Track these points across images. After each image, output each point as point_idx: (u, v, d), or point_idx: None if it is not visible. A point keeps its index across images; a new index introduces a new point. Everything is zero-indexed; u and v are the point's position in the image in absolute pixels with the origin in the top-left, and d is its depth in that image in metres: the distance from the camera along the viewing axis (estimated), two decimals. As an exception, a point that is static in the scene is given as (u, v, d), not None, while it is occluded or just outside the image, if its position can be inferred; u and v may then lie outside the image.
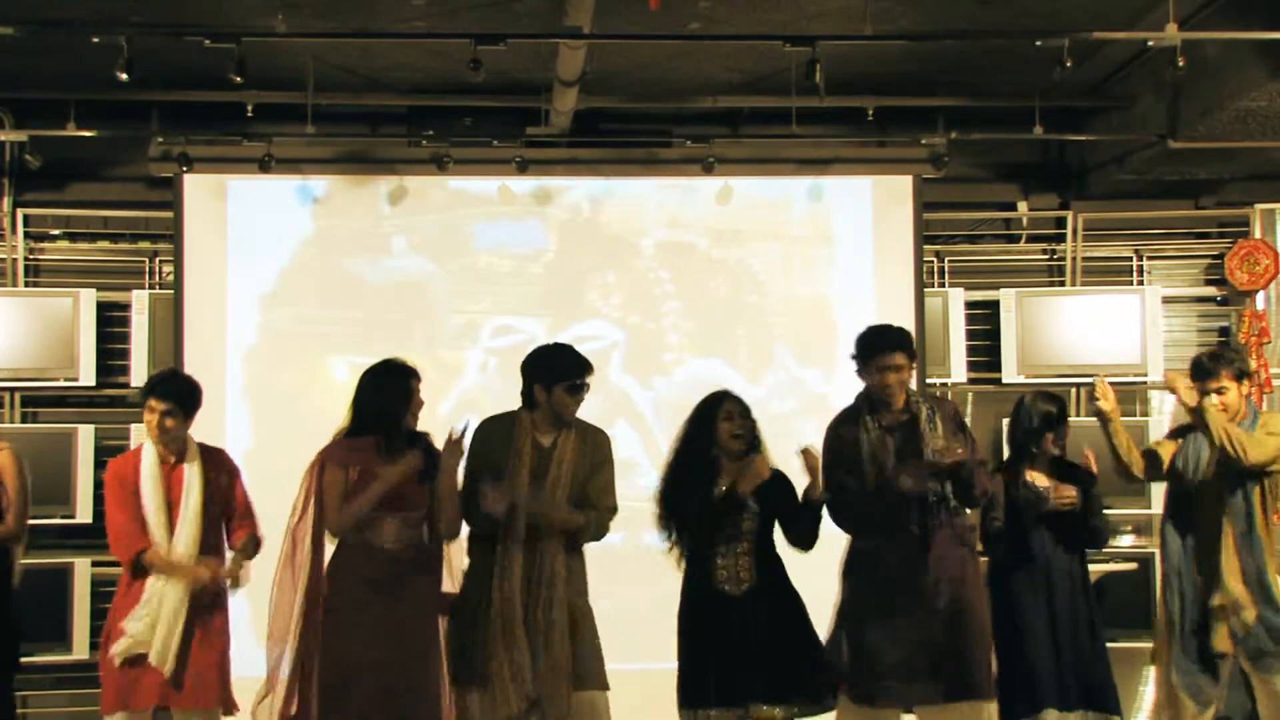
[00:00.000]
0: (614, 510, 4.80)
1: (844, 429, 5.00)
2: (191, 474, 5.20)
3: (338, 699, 4.61)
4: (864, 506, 4.91)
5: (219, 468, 5.32)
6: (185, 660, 5.09)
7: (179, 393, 5.24)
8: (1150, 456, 5.54)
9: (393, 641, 4.65)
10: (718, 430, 4.91)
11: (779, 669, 4.77)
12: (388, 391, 4.79)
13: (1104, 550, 7.31)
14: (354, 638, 4.64)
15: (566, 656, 4.62)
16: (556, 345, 4.96)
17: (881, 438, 4.91)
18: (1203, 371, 5.40)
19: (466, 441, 4.73)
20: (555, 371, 4.77)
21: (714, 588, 4.82)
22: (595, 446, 4.81)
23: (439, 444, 4.79)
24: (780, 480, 4.93)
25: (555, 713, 4.62)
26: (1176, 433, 5.64)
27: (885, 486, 4.84)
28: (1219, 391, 5.34)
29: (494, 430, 4.83)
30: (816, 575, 5.08)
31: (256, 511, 5.38)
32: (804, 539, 4.94)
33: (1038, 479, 5.46)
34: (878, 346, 4.94)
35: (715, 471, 4.88)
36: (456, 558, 4.92)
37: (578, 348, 4.95)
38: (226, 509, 5.31)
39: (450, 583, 4.90)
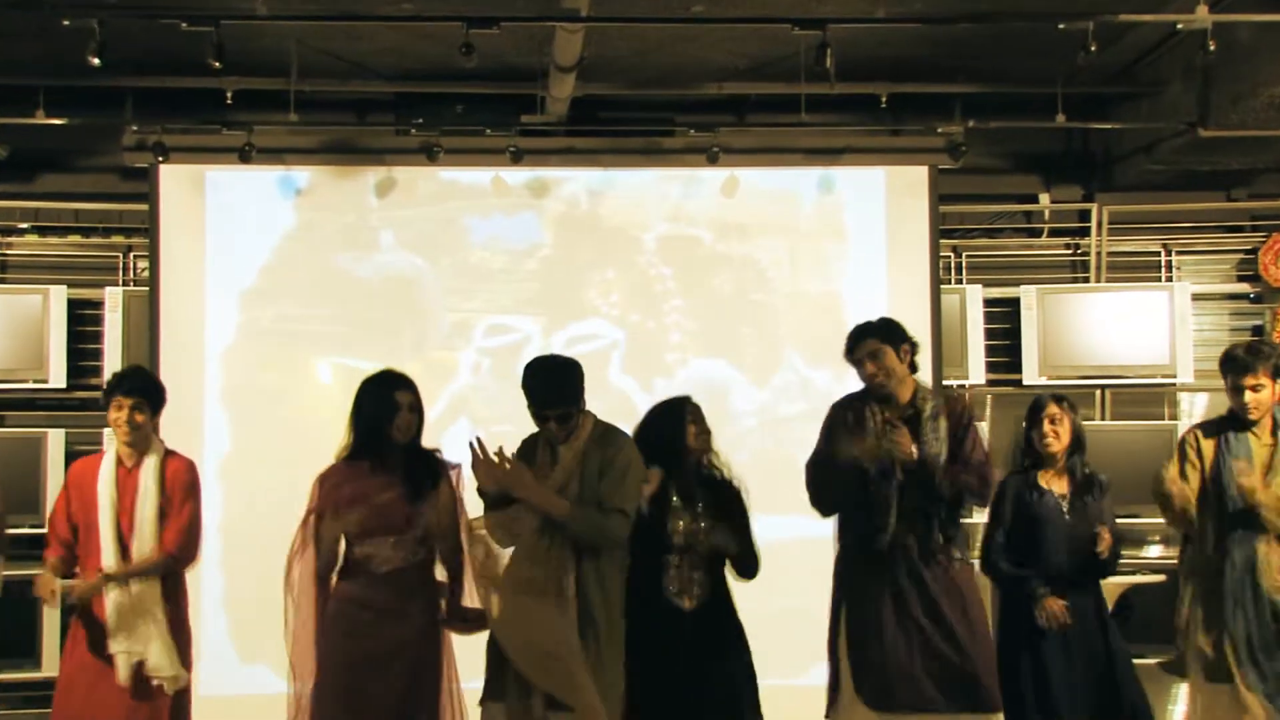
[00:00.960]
0: (622, 512, 4.66)
1: (850, 411, 5.06)
2: (147, 477, 5.18)
3: None
4: (832, 475, 5.00)
5: (173, 473, 5.27)
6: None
7: (146, 388, 5.26)
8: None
9: (396, 666, 4.66)
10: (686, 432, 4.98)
11: (720, 688, 4.84)
12: (370, 407, 4.79)
13: (1130, 561, 7.33)
14: (357, 666, 4.65)
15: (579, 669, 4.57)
16: (532, 366, 4.84)
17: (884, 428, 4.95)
18: (1238, 366, 5.32)
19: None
20: (527, 397, 4.77)
21: (663, 599, 4.87)
22: (605, 445, 4.75)
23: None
24: (731, 493, 5.02)
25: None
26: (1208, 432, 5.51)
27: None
28: (1255, 389, 5.27)
29: (528, 444, 4.83)
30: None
31: (190, 531, 5.29)
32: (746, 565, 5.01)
33: (1050, 483, 5.49)
34: (850, 341, 5.08)
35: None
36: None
37: (575, 349, 4.94)
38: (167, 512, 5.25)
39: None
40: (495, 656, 4.63)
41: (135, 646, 5.05)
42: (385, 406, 4.77)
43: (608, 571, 4.65)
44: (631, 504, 4.66)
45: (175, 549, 5.19)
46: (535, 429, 4.80)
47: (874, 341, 4.99)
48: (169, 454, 5.32)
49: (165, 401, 5.34)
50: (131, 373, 5.48)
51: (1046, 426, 5.44)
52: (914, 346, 5.07)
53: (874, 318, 5.15)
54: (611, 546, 4.63)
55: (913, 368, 5.05)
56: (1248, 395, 5.28)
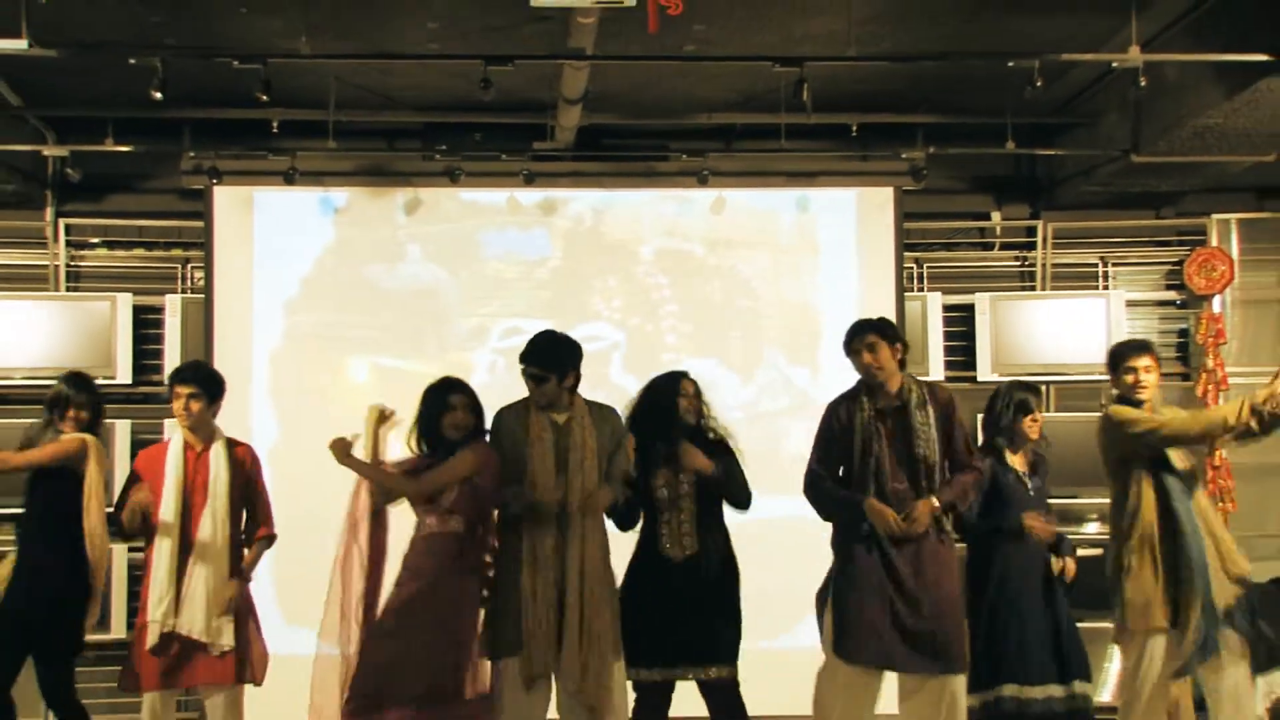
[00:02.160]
0: (628, 474, 4.87)
1: (842, 407, 5.10)
2: (218, 460, 5.22)
3: (383, 678, 4.66)
4: (831, 500, 5.04)
5: (244, 458, 5.34)
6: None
7: (201, 378, 5.29)
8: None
9: (434, 624, 4.72)
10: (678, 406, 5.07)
11: (703, 633, 4.90)
12: (425, 407, 4.95)
13: (1071, 537, 7.36)
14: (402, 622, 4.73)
15: (590, 629, 4.65)
16: (535, 333, 5.01)
17: (874, 419, 5.00)
18: (1128, 349, 5.33)
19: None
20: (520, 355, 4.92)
21: (657, 552, 4.95)
22: (608, 422, 4.89)
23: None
24: (714, 442, 5.12)
25: (571, 683, 4.67)
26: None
27: (865, 468, 4.94)
28: (1148, 370, 5.23)
29: (507, 416, 4.91)
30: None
31: (272, 508, 5.40)
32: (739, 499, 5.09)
33: (1015, 463, 5.57)
34: (851, 333, 5.11)
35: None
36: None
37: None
38: (249, 501, 5.32)
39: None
40: (510, 614, 4.68)
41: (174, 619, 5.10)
42: (439, 406, 4.87)
43: (598, 532, 4.79)
44: (630, 467, 4.84)
45: (273, 528, 5.33)
46: (505, 421, 4.91)
47: (873, 335, 5.05)
48: (232, 441, 5.35)
49: (223, 392, 5.35)
50: (190, 364, 5.54)
51: (1143, 375, 5.25)
52: (905, 347, 5.13)
53: (873, 317, 5.21)
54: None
55: (901, 365, 5.08)
56: (1141, 375, 5.23)
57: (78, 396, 5.30)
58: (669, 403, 5.07)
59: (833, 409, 5.13)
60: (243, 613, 5.22)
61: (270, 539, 5.35)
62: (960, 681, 4.93)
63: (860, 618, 4.85)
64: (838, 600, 4.96)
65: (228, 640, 5.11)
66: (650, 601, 4.90)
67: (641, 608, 4.89)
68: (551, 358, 4.84)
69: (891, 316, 7.24)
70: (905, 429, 4.97)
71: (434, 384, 4.97)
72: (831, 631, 4.96)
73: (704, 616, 4.93)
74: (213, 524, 5.15)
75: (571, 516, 4.72)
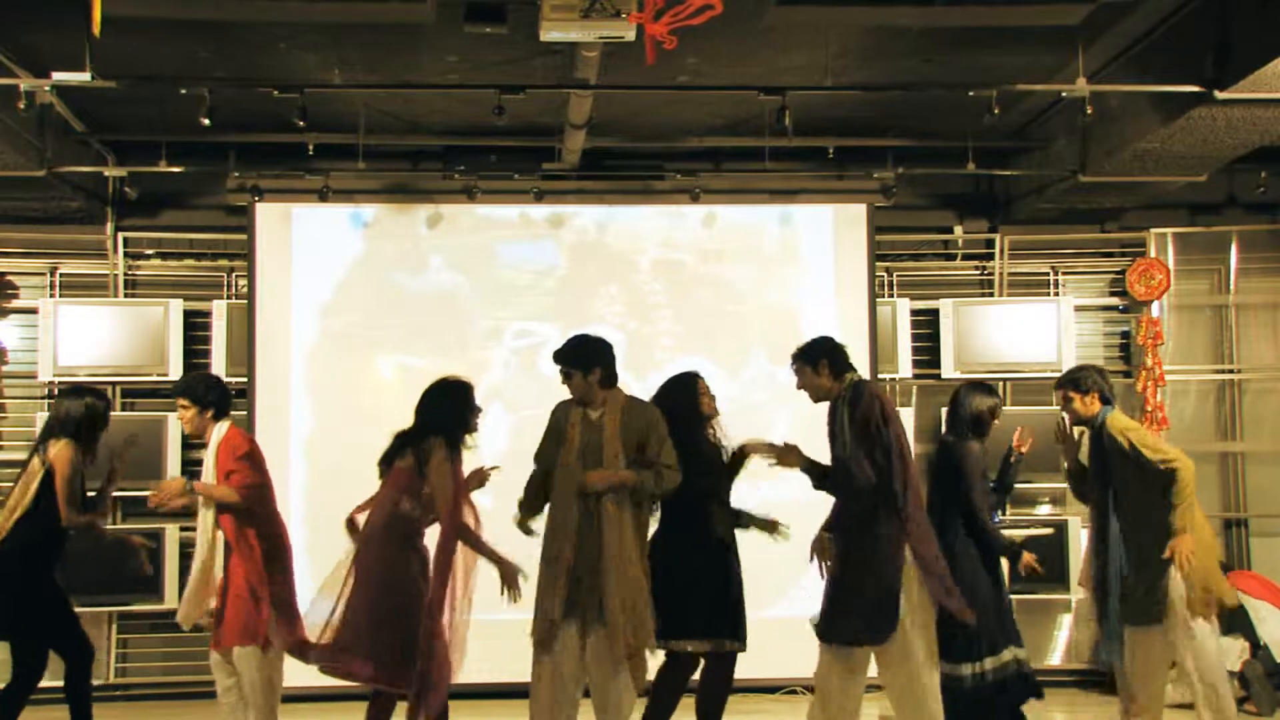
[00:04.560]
0: (671, 467, 4.76)
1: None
2: (209, 455, 5.14)
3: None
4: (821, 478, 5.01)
5: (221, 450, 5.15)
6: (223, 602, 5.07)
7: (190, 391, 5.21)
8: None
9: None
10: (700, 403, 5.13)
11: (735, 610, 5.02)
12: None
13: (1025, 518, 7.39)
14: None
15: (608, 605, 4.62)
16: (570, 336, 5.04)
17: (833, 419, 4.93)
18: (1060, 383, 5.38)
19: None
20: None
21: (716, 534, 4.98)
22: (641, 415, 4.82)
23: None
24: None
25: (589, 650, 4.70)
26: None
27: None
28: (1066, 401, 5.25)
29: (558, 409, 4.96)
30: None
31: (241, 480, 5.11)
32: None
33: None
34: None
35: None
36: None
37: None
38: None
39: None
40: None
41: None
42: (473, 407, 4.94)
43: (636, 516, 4.75)
44: (675, 459, 4.77)
45: (236, 494, 5.05)
46: (555, 412, 4.92)
47: (797, 364, 4.98)
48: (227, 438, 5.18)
49: (215, 402, 5.18)
50: (186, 378, 5.58)
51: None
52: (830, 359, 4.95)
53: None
54: (666, 493, 4.78)
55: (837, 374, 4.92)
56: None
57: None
58: (692, 399, 5.09)
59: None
60: (234, 586, 5.06)
61: (230, 492, 5.02)
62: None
63: (849, 601, 4.76)
64: (831, 587, 4.84)
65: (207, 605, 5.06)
66: (694, 579, 4.94)
67: (689, 586, 4.92)
68: (572, 356, 4.87)
69: (864, 319, 7.38)
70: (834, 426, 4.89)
71: (465, 384, 4.93)
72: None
73: (732, 595, 5.01)
74: (202, 504, 5.09)
75: (595, 499, 4.70)
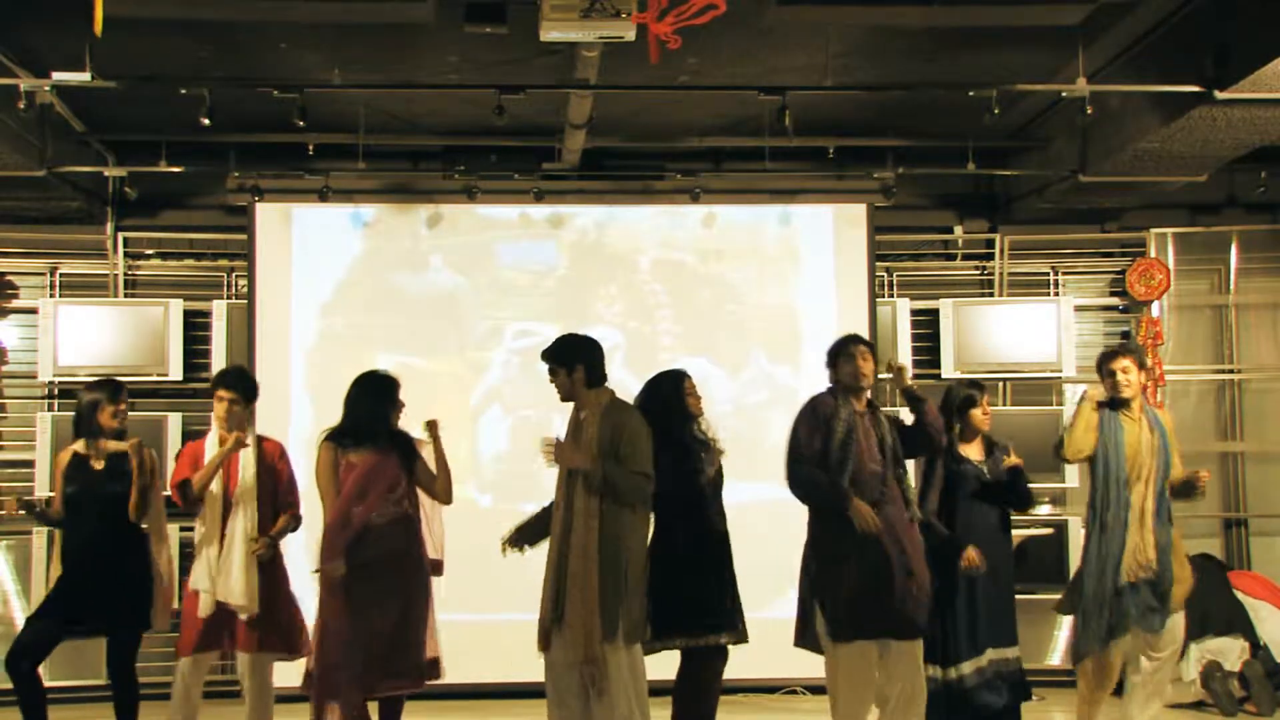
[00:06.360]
0: (641, 474, 4.64)
1: (821, 404, 4.99)
2: (247, 453, 5.20)
3: (350, 657, 4.70)
4: (815, 485, 4.90)
5: (271, 451, 5.31)
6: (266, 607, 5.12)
7: (244, 385, 5.30)
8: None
9: (393, 602, 4.79)
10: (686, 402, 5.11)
11: (734, 604, 5.00)
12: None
13: (1025, 517, 7.35)
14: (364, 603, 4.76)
15: (573, 600, 4.58)
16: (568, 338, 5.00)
17: (852, 415, 4.93)
18: (1109, 354, 5.35)
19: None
20: None
21: (720, 530, 4.99)
22: (615, 414, 4.75)
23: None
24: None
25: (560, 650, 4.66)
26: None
27: (845, 452, 4.86)
28: (1124, 370, 5.22)
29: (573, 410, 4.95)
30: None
31: (299, 494, 5.35)
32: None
33: (970, 453, 5.40)
34: (842, 344, 5.09)
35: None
36: (437, 526, 5.05)
37: None
38: (274, 488, 5.25)
39: (432, 548, 5.01)
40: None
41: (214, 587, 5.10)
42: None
43: (632, 519, 4.67)
44: (648, 466, 4.65)
45: (299, 511, 5.34)
46: (555, 415, 4.92)
47: (865, 348, 5.04)
48: (261, 438, 5.31)
49: (258, 394, 5.36)
50: (232, 370, 5.54)
51: (1120, 376, 5.25)
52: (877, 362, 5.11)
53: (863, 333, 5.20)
54: (635, 501, 4.64)
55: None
56: (1119, 376, 5.23)
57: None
58: (677, 399, 5.07)
59: (812, 405, 5.01)
60: (272, 588, 5.17)
61: (296, 519, 5.31)
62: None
63: (858, 597, 4.78)
64: (830, 584, 4.85)
65: (253, 605, 5.07)
66: (700, 575, 4.93)
67: (699, 582, 4.92)
68: (554, 354, 4.86)
69: (864, 319, 7.34)
70: (877, 423, 4.97)
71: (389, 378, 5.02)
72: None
73: (727, 590, 5.01)
74: (243, 508, 5.14)
75: (576, 497, 4.69)
